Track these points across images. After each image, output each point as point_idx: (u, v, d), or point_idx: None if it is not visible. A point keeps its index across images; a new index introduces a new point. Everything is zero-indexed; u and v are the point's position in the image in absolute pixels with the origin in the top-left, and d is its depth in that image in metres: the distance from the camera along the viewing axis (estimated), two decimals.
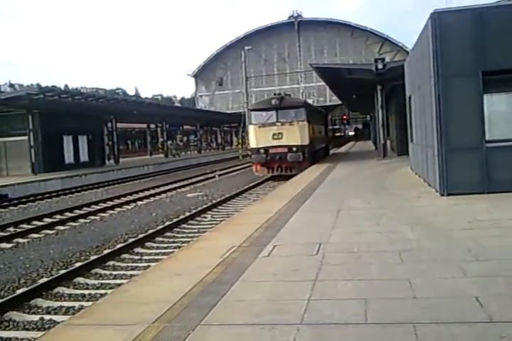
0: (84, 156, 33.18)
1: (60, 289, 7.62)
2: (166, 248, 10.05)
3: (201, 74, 74.51)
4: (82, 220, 14.20)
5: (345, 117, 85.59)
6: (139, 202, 17.61)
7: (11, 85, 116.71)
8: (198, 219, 13.25)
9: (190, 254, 6.76)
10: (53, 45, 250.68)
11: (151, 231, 11.45)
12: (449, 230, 6.95)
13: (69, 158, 31.50)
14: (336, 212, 9.01)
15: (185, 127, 63.63)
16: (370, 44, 64.93)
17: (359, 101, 37.29)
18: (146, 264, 8.71)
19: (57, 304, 6.98)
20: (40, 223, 14.02)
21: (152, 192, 20.66)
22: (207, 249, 6.95)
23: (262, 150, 21.90)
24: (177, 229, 11.87)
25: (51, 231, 12.66)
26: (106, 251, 9.75)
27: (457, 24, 9.86)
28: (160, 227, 11.91)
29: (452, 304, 4.07)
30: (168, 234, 11.40)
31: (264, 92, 62.68)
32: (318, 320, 3.92)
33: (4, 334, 6.05)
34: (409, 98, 14.93)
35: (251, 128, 22.76)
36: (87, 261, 8.97)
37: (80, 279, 8.08)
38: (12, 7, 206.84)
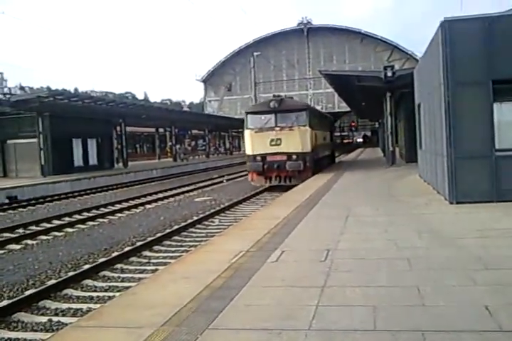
0: (93, 159, 33.36)
1: (69, 291, 7.64)
2: (173, 251, 10.07)
3: (210, 80, 74.79)
4: (90, 223, 14.27)
5: (353, 124, 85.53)
6: (147, 206, 17.67)
7: (22, 88, 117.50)
8: (206, 223, 13.27)
9: (198, 258, 6.78)
10: (63, 48, 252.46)
11: (159, 235, 11.48)
12: (458, 238, 6.93)
13: (78, 160, 31.69)
14: (344, 219, 9.01)
15: (194, 132, 63.83)
16: (379, 51, 64.95)
17: (368, 108, 37.33)
18: (154, 267, 8.74)
19: (65, 306, 7.00)
20: (48, 225, 14.10)
21: (160, 195, 20.72)
22: (215, 253, 6.97)
23: (258, 158, 19.91)
24: (185, 233, 11.89)
25: (60, 233, 12.73)
26: (114, 254, 9.78)
27: (467, 33, 9.87)
28: (168, 231, 11.93)
29: (462, 312, 4.06)
30: (175, 237, 11.42)
31: None
32: (327, 326, 3.92)
33: (13, 335, 6.08)
34: (419, 106, 14.92)
35: (247, 133, 20.58)
36: (95, 264, 8.99)
37: (88, 281, 8.11)
38: (23, 10, 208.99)
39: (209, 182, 26.19)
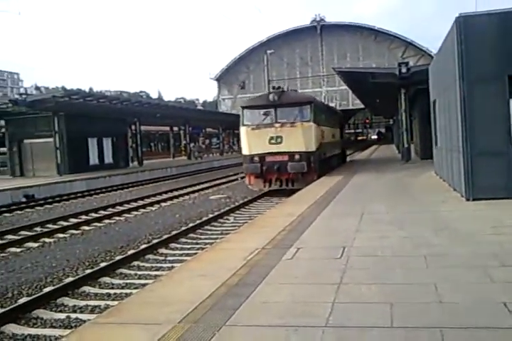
0: (108, 158, 33.62)
1: (86, 288, 7.73)
2: (189, 249, 10.14)
3: (224, 78, 74.83)
4: (106, 221, 14.41)
5: (367, 121, 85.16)
6: (163, 204, 17.78)
7: (37, 88, 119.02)
8: (221, 221, 13.32)
9: (214, 256, 6.82)
10: (78, 48, 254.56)
11: (174, 233, 11.56)
12: (474, 235, 6.89)
13: (93, 159, 31.96)
14: (360, 216, 8.99)
15: (208, 130, 63.94)
16: (393, 48, 64.44)
17: (382, 105, 37.12)
18: (170, 265, 8.81)
19: (83, 303, 7.08)
20: (65, 223, 14.26)
21: (175, 193, 20.82)
22: (230, 250, 7.01)
23: (256, 158, 17.58)
24: (200, 231, 11.96)
25: (77, 231, 12.87)
26: (130, 252, 9.87)
27: (483, 28, 9.76)
28: (183, 229, 12.01)
29: (479, 309, 4.04)
30: (191, 235, 11.49)
31: None
32: (344, 323, 3.93)
33: (32, 331, 6.16)
34: (434, 102, 14.80)
35: (242, 131, 18.21)
36: (112, 261, 9.09)
37: (106, 279, 8.19)
38: (38, 10, 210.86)
39: (223, 180, 26.26)
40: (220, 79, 75.36)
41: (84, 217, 15.40)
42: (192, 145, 49.40)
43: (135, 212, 15.93)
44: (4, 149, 32.84)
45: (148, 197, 19.95)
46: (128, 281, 8.05)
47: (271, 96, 17.71)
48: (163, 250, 10.10)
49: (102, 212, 16.15)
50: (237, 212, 14.77)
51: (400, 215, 9.01)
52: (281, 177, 17.77)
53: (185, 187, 23.26)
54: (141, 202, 18.28)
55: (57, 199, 20.72)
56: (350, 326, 3.86)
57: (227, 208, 15.18)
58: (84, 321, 6.24)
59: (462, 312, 3.99)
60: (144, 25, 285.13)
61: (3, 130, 33.71)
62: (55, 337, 5.89)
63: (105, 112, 31.06)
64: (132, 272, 8.62)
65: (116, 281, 8.10)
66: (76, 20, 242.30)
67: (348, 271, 5.39)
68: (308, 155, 17.49)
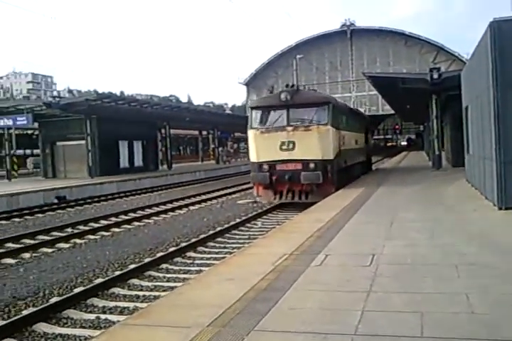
0: (138, 161, 34.10)
1: (115, 289, 7.82)
2: (217, 253, 10.19)
3: (253, 83, 75.07)
4: (136, 223, 14.59)
5: (397, 127, 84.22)
6: (191, 207, 17.91)
7: (70, 91, 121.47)
8: (249, 225, 13.35)
9: (243, 260, 6.85)
10: (110, 52, 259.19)
11: (202, 236, 11.63)
12: (506, 245, 6.75)
13: (124, 162, 32.45)
14: (389, 224, 8.90)
15: (236, 134, 64.23)
16: (424, 53, 63.66)
17: (412, 111, 36.65)
18: (198, 268, 8.86)
19: (112, 304, 7.17)
20: (96, 225, 14.50)
21: (203, 197, 20.96)
22: (258, 255, 7.02)
23: (265, 167, 15.51)
24: (228, 235, 12.00)
25: (107, 233, 13.07)
26: (159, 254, 9.96)
27: None
28: (211, 232, 12.08)
29: None
30: (219, 239, 11.55)
31: None
32: (373, 331, 3.90)
33: (63, 331, 6.26)
34: (466, 108, 14.57)
35: (250, 135, 16.19)
36: (141, 263, 9.18)
37: (135, 280, 8.28)
38: (71, 15, 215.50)
39: (251, 185, 26.23)
40: (248, 83, 75.64)
41: (114, 218, 15.63)
42: (220, 149, 49.69)
43: (164, 215, 16.10)
44: (38, 151, 33.60)
45: (176, 200, 20.12)
46: (156, 283, 8.13)
47: (283, 95, 15.56)
48: (191, 253, 10.17)
49: (132, 215, 16.36)
50: (265, 217, 14.78)
51: (430, 223, 8.88)
52: (294, 189, 15.52)
53: (213, 191, 23.39)
54: (169, 205, 18.45)
55: (88, 200, 21.08)
56: (380, 335, 3.82)
57: (255, 213, 15.20)
58: (114, 322, 6.32)
59: (495, 324, 3.92)
60: (176, 30, 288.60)
61: (36, 132, 34.54)
62: (84, 337, 5.97)
63: (136, 116, 31.50)
64: (161, 274, 8.70)
65: (145, 283, 8.19)
66: (109, 24, 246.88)
67: (377, 279, 5.34)
68: (324, 164, 15.24)
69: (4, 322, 6.37)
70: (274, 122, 15.82)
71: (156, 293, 7.50)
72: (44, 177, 31.10)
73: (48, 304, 7.05)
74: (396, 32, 64.95)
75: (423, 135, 55.57)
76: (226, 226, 12.95)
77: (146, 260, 9.53)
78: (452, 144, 23.63)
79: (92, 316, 6.70)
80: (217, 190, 23.90)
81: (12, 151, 31.78)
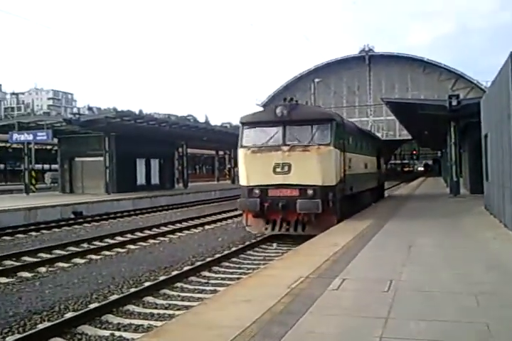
0: (155, 179, 34.37)
1: (130, 307, 7.83)
2: (232, 273, 10.17)
3: (270, 105, 75.63)
4: (151, 240, 14.65)
5: (414, 152, 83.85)
6: (206, 226, 17.95)
7: (90, 108, 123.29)
8: (264, 246, 13.31)
9: (259, 282, 6.83)
10: (130, 71, 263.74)
11: (217, 256, 11.63)
12: None
13: (141, 179, 32.75)
14: (407, 250, 8.82)
15: None
16: (442, 80, 63.73)
17: (430, 137, 36.59)
18: (212, 288, 8.84)
19: (127, 321, 7.17)
20: (112, 241, 14.59)
21: (219, 217, 20.99)
22: (274, 277, 7.00)
23: (256, 191, 13.38)
24: (243, 256, 11.98)
25: (122, 250, 13.14)
26: (174, 273, 9.97)
27: None
28: (226, 252, 12.07)
29: None
30: (234, 259, 11.53)
31: None
32: None
33: None
34: (485, 136, 14.52)
35: (240, 154, 14.00)
36: (156, 281, 9.19)
37: (149, 298, 8.28)
38: (91, 35, 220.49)
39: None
40: (266, 105, 75.93)
41: (129, 235, 15.71)
42: (236, 169, 49.82)
43: (179, 234, 16.14)
44: (56, 166, 34.02)
45: (192, 219, 20.17)
46: (171, 302, 8.12)
47: (278, 110, 13.53)
48: (206, 273, 10.17)
49: (147, 232, 16.43)
50: (280, 237, 14.71)
51: (448, 250, 8.80)
52: (289, 219, 13.31)
53: (229, 211, 23.37)
54: (185, 224, 18.50)
55: (105, 217, 21.24)
56: None
57: (270, 234, 15.13)
58: (128, 340, 6.34)
59: None
60: (195, 51, 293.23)
61: (55, 147, 35.05)
62: None
63: (154, 134, 31.85)
64: (175, 293, 8.69)
65: (159, 301, 8.18)
66: (130, 44, 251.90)
67: (395, 305, 5.29)
68: (325, 191, 13.07)
69: (20, 336, 6.41)
70: (267, 141, 13.65)
71: (171, 312, 7.50)
72: (61, 192, 31.44)
73: (63, 319, 7.08)
74: (415, 58, 65.23)
75: (440, 161, 55.23)
76: (241, 246, 12.93)
77: (161, 278, 9.55)
78: (471, 171, 23.47)
79: (107, 333, 6.71)
80: (233, 210, 23.87)
81: (31, 166, 32.17)
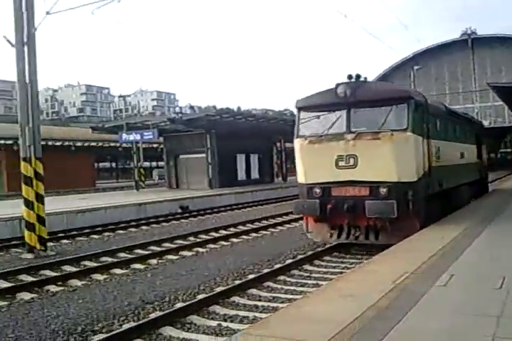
0: (255, 173, 35.08)
1: (235, 298, 8.06)
2: (334, 267, 10.14)
3: None
4: (253, 234, 14.99)
5: None
6: None
7: (191, 107, 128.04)
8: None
9: (362, 277, 6.75)
10: (227, 69, 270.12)
11: (319, 249, 11.64)
12: None
13: (241, 175, 33.59)
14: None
15: None
16: None
17: None
18: (314, 282, 8.88)
19: (232, 312, 7.39)
20: (216, 234, 15.12)
21: None
22: (378, 273, 6.87)
23: (316, 191, 11.13)
24: (344, 250, 11.88)
25: (226, 243, 13.58)
26: (277, 266, 10.13)
27: None
28: (327, 246, 12.03)
29: None
30: (335, 253, 11.48)
31: None
32: None
33: (187, 335, 6.54)
34: None
35: (297, 146, 11.70)
36: (259, 274, 9.40)
37: (253, 291, 8.48)
38: (189, 36, 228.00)
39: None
40: None
41: (233, 229, 16.19)
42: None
43: (280, 227, 16.35)
44: (162, 163, 35.81)
45: (292, 212, 20.26)
46: (275, 295, 8.25)
47: (340, 90, 11.03)
48: (307, 266, 10.22)
49: (250, 226, 16.83)
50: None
51: None
52: (358, 224, 10.97)
53: None
54: (286, 218, 18.64)
55: (209, 211, 22.03)
56: None
57: None
58: (234, 330, 6.54)
59: None
60: (289, 44, 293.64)
61: (161, 146, 36.91)
62: None
63: (252, 130, 32.40)
64: (279, 286, 8.83)
65: (263, 294, 8.36)
66: (225, 42, 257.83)
67: (509, 304, 5.00)
68: (402, 189, 10.43)
69: (135, 324, 6.85)
70: (329, 128, 11.26)
71: (274, 304, 7.63)
72: (168, 188, 33.04)
73: (174, 309, 7.44)
74: None
75: None
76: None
77: (265, 271, 9.74)
78: None
79: (214, 323, 6.94)
80: None
81: (140, 163, 34.12)
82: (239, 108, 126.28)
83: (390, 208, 10.04)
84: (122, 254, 12.52)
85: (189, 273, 10.09)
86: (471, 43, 63.88)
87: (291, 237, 14.18)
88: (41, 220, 12.67)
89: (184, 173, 32.78)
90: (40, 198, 12.67)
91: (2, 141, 36.76)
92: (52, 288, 9.27)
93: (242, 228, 16.34)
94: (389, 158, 10.44)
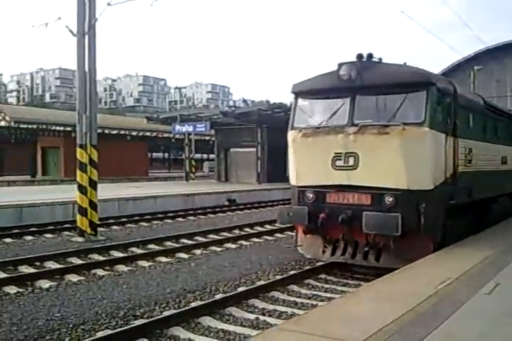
0: None
1: (275, 293, 8.08)
2: (376, 268, 9.99)
3: None
4: None
5: None
6: None
7: (244, 101, 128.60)
8: None
9: (403, 280, 6.67)
10: (281, 64, 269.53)
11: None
12: None
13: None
14: None
15: None
16: None
17: None
18: (356, 282, 8.83)
19: (271, 307, 7.42)
20: (261, 228, 15.25)
21: None
22: (420, 276, 6.77)
23: (308, 195, 9.25)
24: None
25: (270, 238, 13.67)
26: (319, 264, 10.09)
27: None
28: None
29: None
30: None
31: None
32: None
33: (225, 326, 6.61)
34: None
35: (290, 139, 9.87)
36: (301, 271, 9.41)
37: (294, 287, 8.49)
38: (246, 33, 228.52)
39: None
40: None
41: (277, 224, 16.18)
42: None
43: None
44: (213, 156, 36.31)
45: None
46: (314, 293, 8.22)
47: (343, 71, 8.82)
48: (351, 266, 10.13)
49: None
50: None
51: None
52: (356, 239, 8.88)
53: None
54: None
55: (256, 205, 22.19)
56: None
57: None
58: (271, 324, 6.58)
59: None
60: (343, 38, 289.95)
61: (213, 138, 37.39)
62: (243, 336, 6.23)
63: None
64: (319, 284, 8.79)
65: (303, 291, 8.35)
66: (278, 38, 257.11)
67: None
68: (413, 199, 8.24)
69: (175, 312, 7.02)
70: (328, 119, 9.16)
71: (313, 302, 7.62)
72: (217, 181, 33.47)
73: (214, 299, 7.56)
74: None
75: None
76: None
77: (306, 267, 9.73)
78: None
79: (252, 316, 6.98)
80: None
81: (191, 155, 34.70)
82: (291, 103, 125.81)
83: (392, 223, 7.96)
84: (168, 243, 12.79)
85: (232, 265, 10.21)
86: None
87: None
88: (93, 205, 13.14)
89: (234, 167, 33.11)
90: (93, 184, 13.14)
91: (62, 128, 38.13)
92: (99, 271, 9.60)
93: None
94: (398, 159, 8.28)
